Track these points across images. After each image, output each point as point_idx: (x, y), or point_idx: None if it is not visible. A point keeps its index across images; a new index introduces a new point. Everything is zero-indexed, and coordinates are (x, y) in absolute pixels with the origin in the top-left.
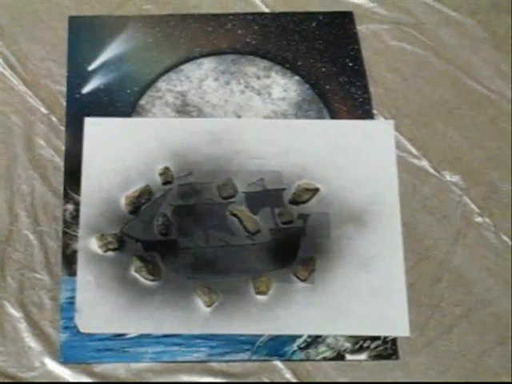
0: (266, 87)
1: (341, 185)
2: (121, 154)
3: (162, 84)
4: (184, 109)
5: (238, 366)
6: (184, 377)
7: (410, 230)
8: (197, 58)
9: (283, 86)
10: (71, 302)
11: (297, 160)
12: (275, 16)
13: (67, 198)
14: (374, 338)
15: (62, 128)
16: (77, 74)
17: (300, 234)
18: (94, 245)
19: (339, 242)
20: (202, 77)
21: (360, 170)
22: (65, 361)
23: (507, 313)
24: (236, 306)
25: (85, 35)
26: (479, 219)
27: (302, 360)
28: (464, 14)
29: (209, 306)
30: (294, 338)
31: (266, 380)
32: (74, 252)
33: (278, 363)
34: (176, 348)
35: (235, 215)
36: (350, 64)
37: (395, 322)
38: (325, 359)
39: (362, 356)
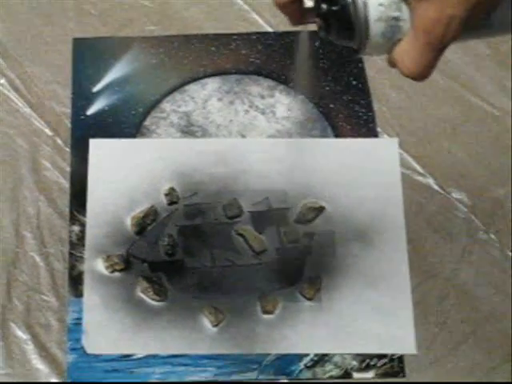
0: (270, 106)
1: (346, 203)
2: (126, 175)
3: (166, 105)
4: (188, 129)
5: None
6: None
7: (415, 248)
8: (201, 78)
9: (287, 105)
10: (78, 323)
11: (302, 179)
12: (279, 35)
13: (73, 219)
14: (380, 356)
15: (67, 149)
16: (81, 96)
17: (306, 252)
18: (100, 266)
19: (345, 261)
20: (206, 97)
21: (365, 187)
22: (72, 382)
23: None
24: (242, 325)
25: (89, 57)
26: (485, 236)
27: (308, 379)
28: None
29: (215, 326)
30: (300, 356)
31: None
32: (81, 273)
33: (285, 382)
34: (183, 368)
35: (241, 235)
36: (354, 82)
37: (402, 340)
38: (332, 378)
39: (369, 374)
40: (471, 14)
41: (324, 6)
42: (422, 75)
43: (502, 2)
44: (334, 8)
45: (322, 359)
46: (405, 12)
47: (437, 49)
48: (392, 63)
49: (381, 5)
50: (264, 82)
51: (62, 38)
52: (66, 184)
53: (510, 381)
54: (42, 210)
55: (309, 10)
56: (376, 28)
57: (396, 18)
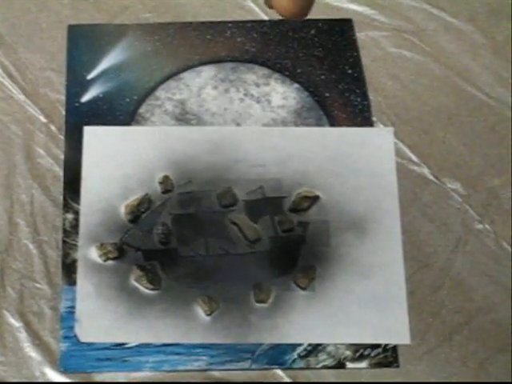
0: (265, 95)
1: (340, 192)
2: (120, 163)
3: (161, 92)
4: (183, 117)
5: (238, 374)
6: None
7: (410, 238)
8: (196, 66)
9: (282, 94)
10: (71, 311)
11: (296, 168)
12: (274, 23)
13: (67, 207)
14: (374, 346)
15: (62, 137)
16: (76, 83)
17: (300, 241)
18: (94, 254)
19: (339, 250)
20: (201, 85)
21: (360, 177)
22: (65, 370)
23: (508, 320)
24: (236, 314)
25: (84, 44)
26: (479, 226)
27: (302, 368)
28: (463, 21)
29: (209, 315)
30: (294, 346)
31: None
32: (74, 261)
33: (279, 372)
34: (176, 357)
35: (235, 223)
36: (350, 71)
37: (396, 330)
38: (325, 367)
39: (363, 364)
40: None
41: None
42: (299, 14)
43: None
44: None
45: (315, 349)
46: None
47: None
48: (269, 4)
49: None
50: (259, 71)
51: (56, 24)
52: (59, 171)
53: (503, 371)
54: (35, 198)
55: None
56: None
57: None
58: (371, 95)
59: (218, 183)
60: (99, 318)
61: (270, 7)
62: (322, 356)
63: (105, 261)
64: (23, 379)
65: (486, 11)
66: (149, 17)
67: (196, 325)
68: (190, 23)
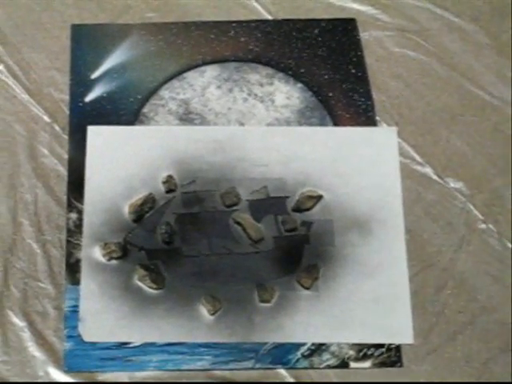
0: (269, 94)
1: (344, 192)
2: (124, 163)
3: (164, 92)
4: (187, 117)
5: (241, 374)
6: None
7: (413, 237)
8: (200, 65)
9: (286, 94)
10: (75, 310)
11: (300, 167)
12: (278, 23)
13: (70, 206)
14: (377, 346)
15: (65, 136)
16: (80, 83)
17: (303, 241)
18: (98, 253)
19: (343, 250)
20: (204, 84)
21: (363, 176)
22: (68, 370)
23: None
24: (240, 314)
25: (88, 43)
26: (483, 226)
27: (305, 368)
28: (467, 20)
29: (212, 315)
30: (297, 345)
31: None
32: (78, 261)
33: (282, 371)
34: (180, 356)
35: (239, 223)
36: (353, 71)
37: (399, 330)
38: (329, 367)
39: (366, 364)
40: None
41: None
42: None
43: None
44: None
45: (319, 348)
46: None
47: None
48: None
49: None
50: (263, 70)
51: (60, 24)
52: (63, 171)
53: (507, 371)
54: (39, 197)
55: None
56: None
57: None
58: (375, 95)
59: (222, 183)
60: (103, 317)
61: None
62: (326, 356)
63: (108, 260)
64: (27, 379)
65: (489, 11)
66: (152, 16)
67: (200, 324)
68: (194, 23)
